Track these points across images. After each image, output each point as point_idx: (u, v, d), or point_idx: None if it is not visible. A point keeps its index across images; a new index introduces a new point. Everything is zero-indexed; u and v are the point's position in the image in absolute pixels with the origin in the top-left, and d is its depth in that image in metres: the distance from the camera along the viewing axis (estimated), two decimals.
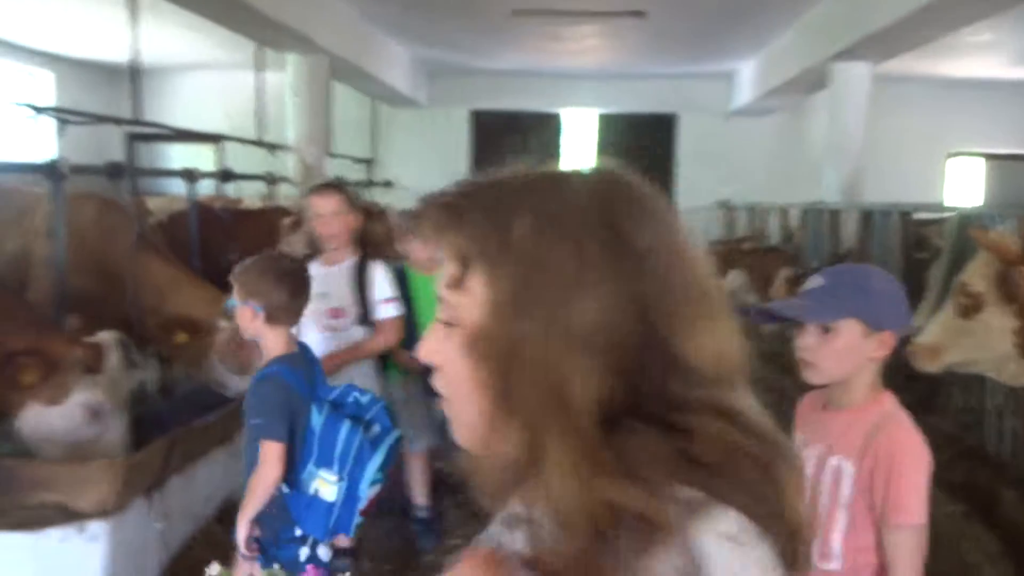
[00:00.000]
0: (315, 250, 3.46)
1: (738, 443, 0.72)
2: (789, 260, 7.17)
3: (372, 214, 8.32)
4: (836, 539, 1.77)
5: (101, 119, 5.76)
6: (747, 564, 0.68)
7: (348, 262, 3.37)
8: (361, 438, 2.32)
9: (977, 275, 2.99)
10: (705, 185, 11.21)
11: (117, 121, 5.65)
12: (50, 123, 7.88)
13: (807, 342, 1.78)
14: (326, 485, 2.31)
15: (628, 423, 0.71)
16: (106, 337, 3.28)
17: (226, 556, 3.53)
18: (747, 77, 10.26)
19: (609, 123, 12.00)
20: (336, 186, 3.53)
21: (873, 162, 7.50)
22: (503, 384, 0.73)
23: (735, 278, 7.14)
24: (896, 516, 1.69)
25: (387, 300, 3.37)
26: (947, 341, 3.02)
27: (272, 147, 7.82)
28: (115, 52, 9.51)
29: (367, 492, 2.35)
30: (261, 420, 2.35)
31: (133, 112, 5.61)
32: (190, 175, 5.71)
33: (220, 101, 11.14)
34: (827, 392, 1.85)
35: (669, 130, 11.73)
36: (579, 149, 12.55)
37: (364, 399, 2.47)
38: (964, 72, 10.14)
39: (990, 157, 11.60)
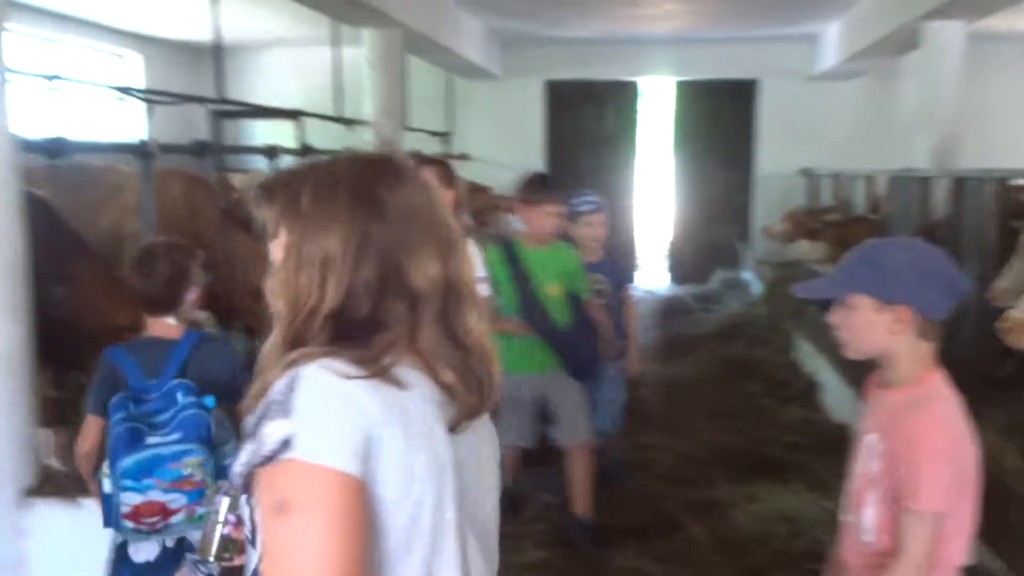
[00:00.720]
0: None
1: (396, 340, 1.13)
2: (875, 230, 6.94)
3: (476, 188, 8.43)
4: (868, 514, 1.82)
5: (187, 99, 5.93)
6: (334, 385, 1.05)
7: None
8: (119, 432, 2.24)
9: None
10: (787, 152, 10.87)
11: (201, 100, 5.80)
12: (139, 104, 8.16)
13: (833, 319, 1.85)
14: (104, 475, 2.34)
15: (344, 319, 1.12)
16: (203, 315, 3.44)
17: None
18: (832, 39, 9.87)
19: (687, 90, 11.72)
20: (432, 160, 3.44)
21: (966, 127, 7.14)
22: (282, 295, 1.15)
23: (811, 249, 6.94)
24: (907, 499, 1.70)
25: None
26: None
27: (349, 122, 7.91)
28: (198, 31, 9.77)
29: (122, 494, 2.22)
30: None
31: (216, 91, 5.75)
32: (271, 152, 5.85)
33: (299, 77, 11.32)
34: (882, 370, 1.89)
35: (749, 96, 11.38)
36: (656, 117, 12.33)
37: (184, 401, 2.33)
38: None
39: None
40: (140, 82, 10.48)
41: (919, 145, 7.09)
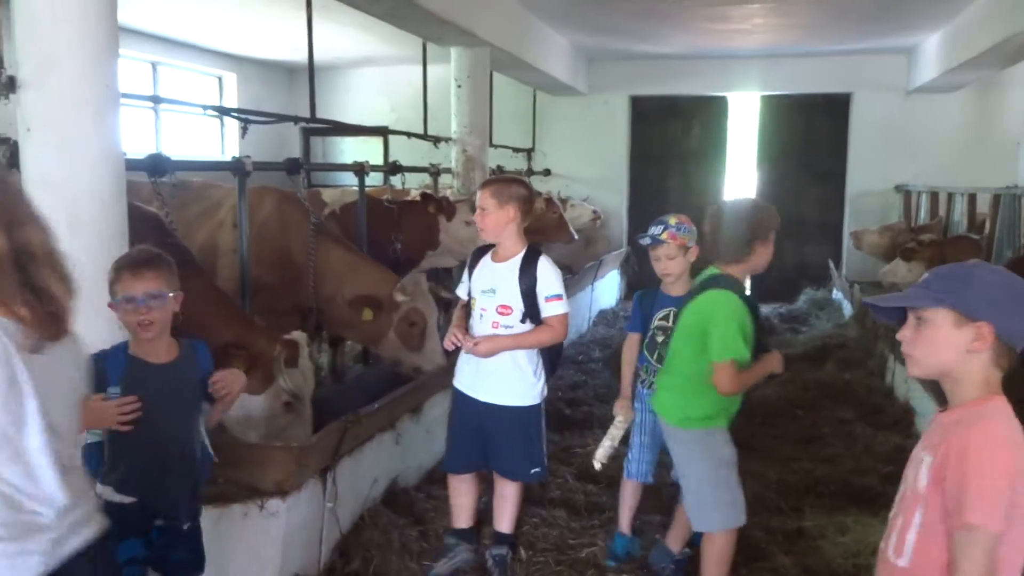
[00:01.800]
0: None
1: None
2: (977, 250, 6.65)
3: (548, 201, 8.43)
4: (911, 535, 1.74)
5: (280, 118, 6.11)
6: None
7: (517, 257, 3.39)
8: None
9: None
10: (882, 168, 10.53)
11: (294, 119, 5.97)
12: (234, 122, 8.47)
13: (904, 334, 1.78)
14: None
15: None
16: (300, 335, 3.67)
17: (390, 536, 3.68)
18: (931, 51, 9.51)
19: (775, 105, 11.46)
20: (499, 180, 3.52)
21: None
22: None
23: (907, 271, 6.69)
24: (961, 515, 1.61)
25: (553, 297, 3.36)
26: None
27: (436, 139, 8.02)
28: (289, 51, 10.09)
29: None
30: None
31: (310, 110, 5.92)
32: (360, 168, 5.98)
33: (386, 95, 11.57)
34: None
35: (842, 110, 11.05)
36: (744, 132, 12.09)
37: None
38: None
39: None
40: (234, 101, 10.88)
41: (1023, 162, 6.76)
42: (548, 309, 3.35)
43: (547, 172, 11.43)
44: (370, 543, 3.58)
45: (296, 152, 11.60)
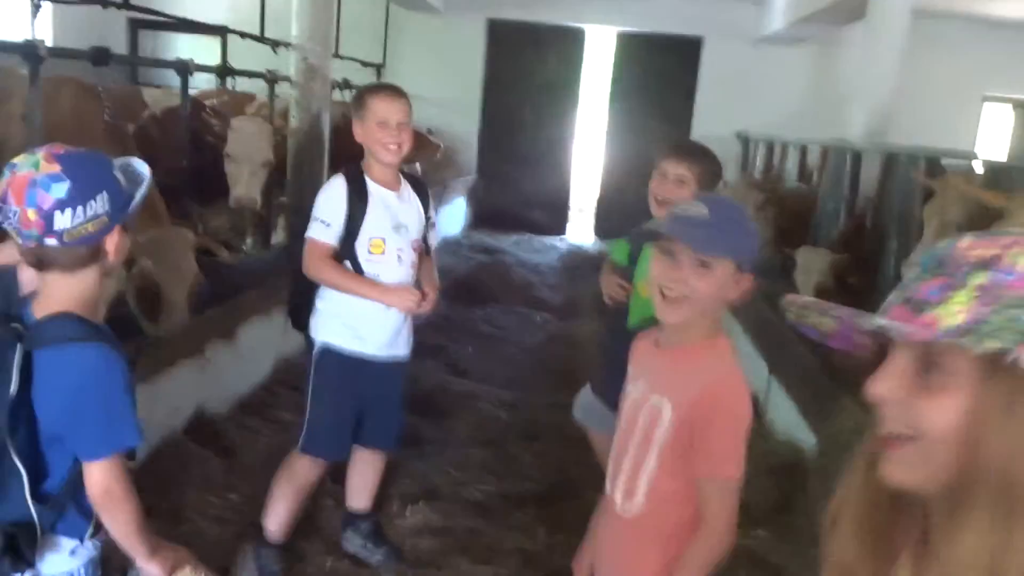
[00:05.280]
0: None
1: None
2: (806, 200, 6.91)
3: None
4: (643, 479, 1.71)
5: (88, 0, 5.42)
6: None
7: (405, 183, 2.92)
8: None
9: None
10: (726, 114, 10.77)
11: (103, 3, 5.30)
12: (46, 3, 7.51)
13: (681, 274, 1.65)
14: None
15: None
16: None
17: (190, 468, 3.42)
18: (780, 2, 9.74)
19: (630, 42, 11.46)
20: (400, 89, 2.93)
21: (904, 103, 7.11)
22: None
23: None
24: (719, 466, 1.65)
25: (435, 222, 3.05)
26: None
27: (275, 44, 7.45)
28: None
29: None
30: None
31: None
32: (183, 67, 5.42)
33: None
34: (659, 329, 1.80)
35: (693, 54, 11.21)
36: (598, 68, 12.06)
37: None
38: (1011, 12, 9.61)
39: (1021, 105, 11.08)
40: None
41: (854, 117, 7.04)
42: (432, 237, 3.02)
43: None
44: (167, 477, 3.30)
45: (123, 49, 10.56)
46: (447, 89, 11.14)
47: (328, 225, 2.74)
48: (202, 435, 3.72)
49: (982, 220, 3.47)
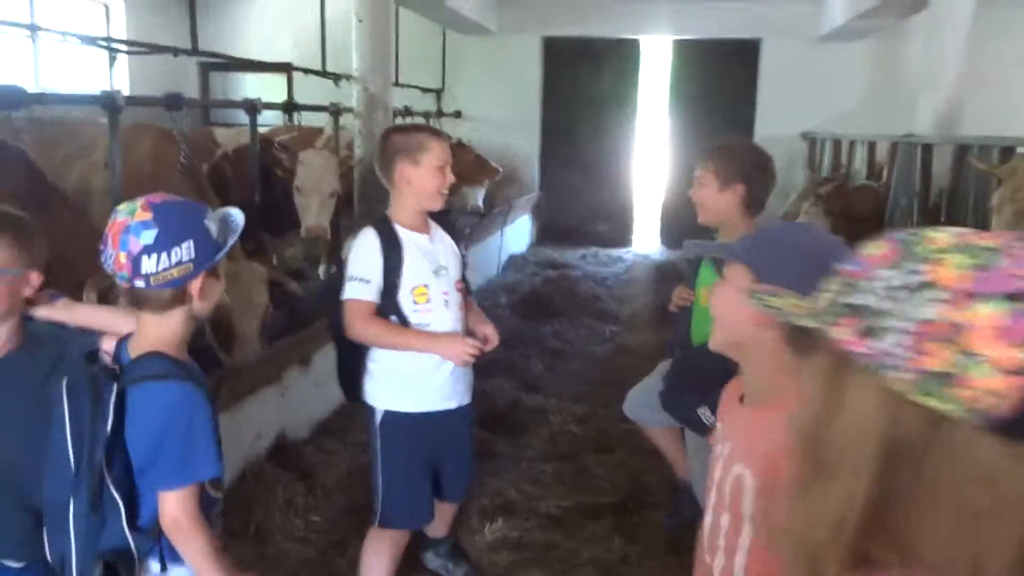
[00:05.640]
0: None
1: None
2: (876, 198, 6.77)
3: (458, 145, 8.21)
4: (739, 560, 1.45)
5: (156, 48, 5.69)
6: None
7: (435, 226, 2.76)
8: None
9: None
10: (789, 115, 10.63)
11: (175, 52, 5.56)
12: (122, 55, 7.90)
13: (718, 298, 1.51)
14: None
15: None
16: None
17: (274, 492, 3.54)
18: None
19: (686, 50, 11.41)
20: (441, 132, 2.84)
21: (973, 93, 6.90)
22: None
23: (812, 217, 6.76)
24: None
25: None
26: None
27: (336, 77, 7.68)
28: None
29: None
30: None
31: (192, 40, 5.53)
32: (251, 106, 5.65)
33: (289, 30, 11.04)
34: (742, 381, 1.54)
35: (752, 56, 11.09)
36: (657, 77, 12.03)
37: None
38: None
39: None
40: (123, 32, 10.20)
41: (922, 110, 6.88)
42: (468, 274, 2.94)
43: (457, 114, 11.17)
44: (251, 500, 3.43)
45: (195, 91, 11.01)
46: (506, 109, 11.28)
47: (367, 282, 2.56)
48: (284, 459, 3.84)
49: None
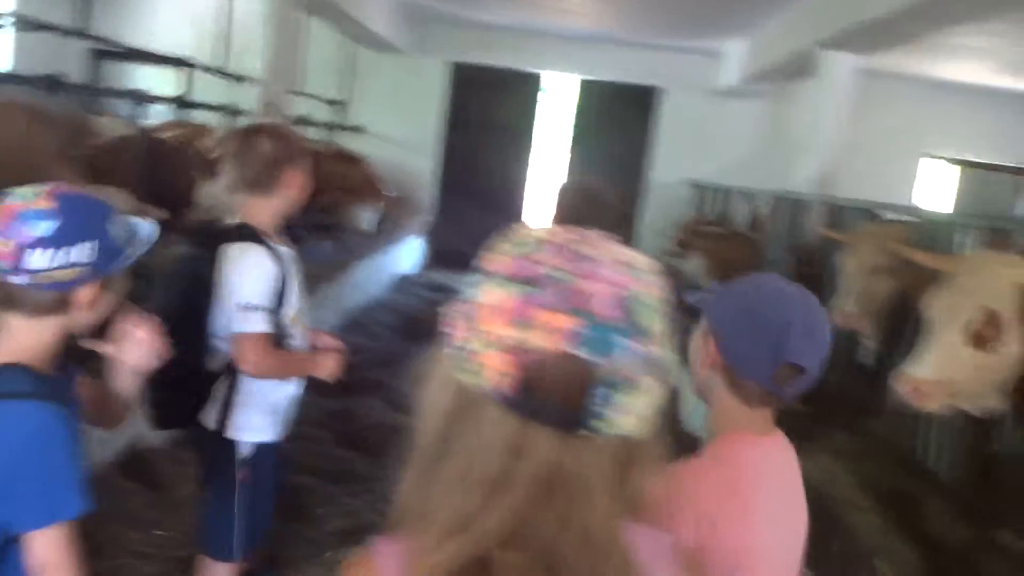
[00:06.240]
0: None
1: None
2: (751, 247, 7.05)
3: (346, 157, 8.08)
4: None
5: (44, 28, 5.43)
6: None
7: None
8: None
9: (1007, 301, 2.57)
10: (683, 163, 11.03)
11: (64, 32, 5.31)
12: (8, 33, 7.48)
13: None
14: None
15: None
16: None
17: (118, 502, 3.37)
18: (736, 57, 10.03)
19: (590, 90, 11.71)
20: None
21: (849, 157, 7.33)
22: None
23: (694, 263, 7.00)
24: None
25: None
26: (958, 374, 2.60)
27: (238, 78, 7.50)
28: None
29: None
30: None
31: (83, 23, 5.30)
32: (138, 97, 5.45)
33: (193, 25, 10.71)
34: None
35: (651, 103, 11.48)
36: (559, 114, 12.27)
37: None
38: (950, 75, 9.98)
39: (965, 164, 11.47)
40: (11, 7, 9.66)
41: (801, 170, 7.25)
42: None
43: (358, 129, 11.06)
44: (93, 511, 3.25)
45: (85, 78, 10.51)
46: (409, 129, 11.27)
47: (264, 310, 2.34)
48: (133, 469, 3.67)
49: (901, 271, 3.58)
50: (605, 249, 0.86)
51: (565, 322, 0.79)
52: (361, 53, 10.93)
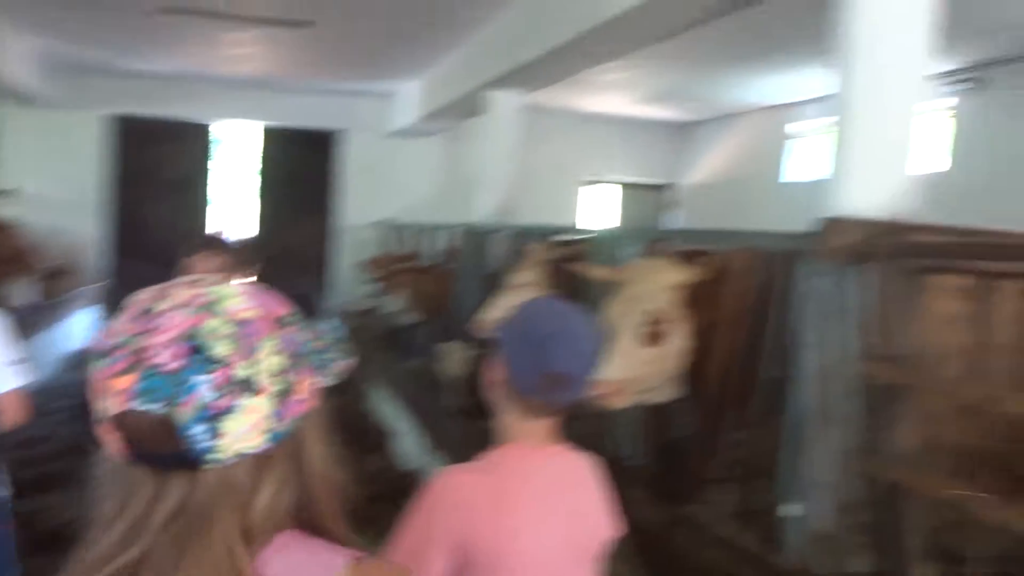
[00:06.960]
0: None
1: None
2: (442, 278, 7.32)
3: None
4: None
5: None
6: None
7: None
8: None
9: (665, 301, 2.97)
10: (370, 203, 11.15)
11: None
12: None
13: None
14: None
15: None
16: None
17: None
18: (410, 98, 10.39)
19: (275, 137, 11.49)
20: None
21: (522, 187, 7.88)
22: None
23: (397, 299, 7.13)
24: None
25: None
26: (638, 372, 2.94)
27: None
28: None
29: None
30: None
31: None
32: None
33: None
34: None
35: (333, 147, 11.52)
36: (240, 163, 11.88)
37: None
38: (601, 107, 11.18)
39: (625, 185, 12.93)
40: None
41: (481, 202, 7.69)
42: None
43: (5, 193, 9.83)
44: None
45: None
46: (68, 188, 10.28)
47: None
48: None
49: (560, 285, 3.95)
50: (181, 297, 0.91)
51: (124, 382, 0.86)
52: (6, 110, 9.77)
